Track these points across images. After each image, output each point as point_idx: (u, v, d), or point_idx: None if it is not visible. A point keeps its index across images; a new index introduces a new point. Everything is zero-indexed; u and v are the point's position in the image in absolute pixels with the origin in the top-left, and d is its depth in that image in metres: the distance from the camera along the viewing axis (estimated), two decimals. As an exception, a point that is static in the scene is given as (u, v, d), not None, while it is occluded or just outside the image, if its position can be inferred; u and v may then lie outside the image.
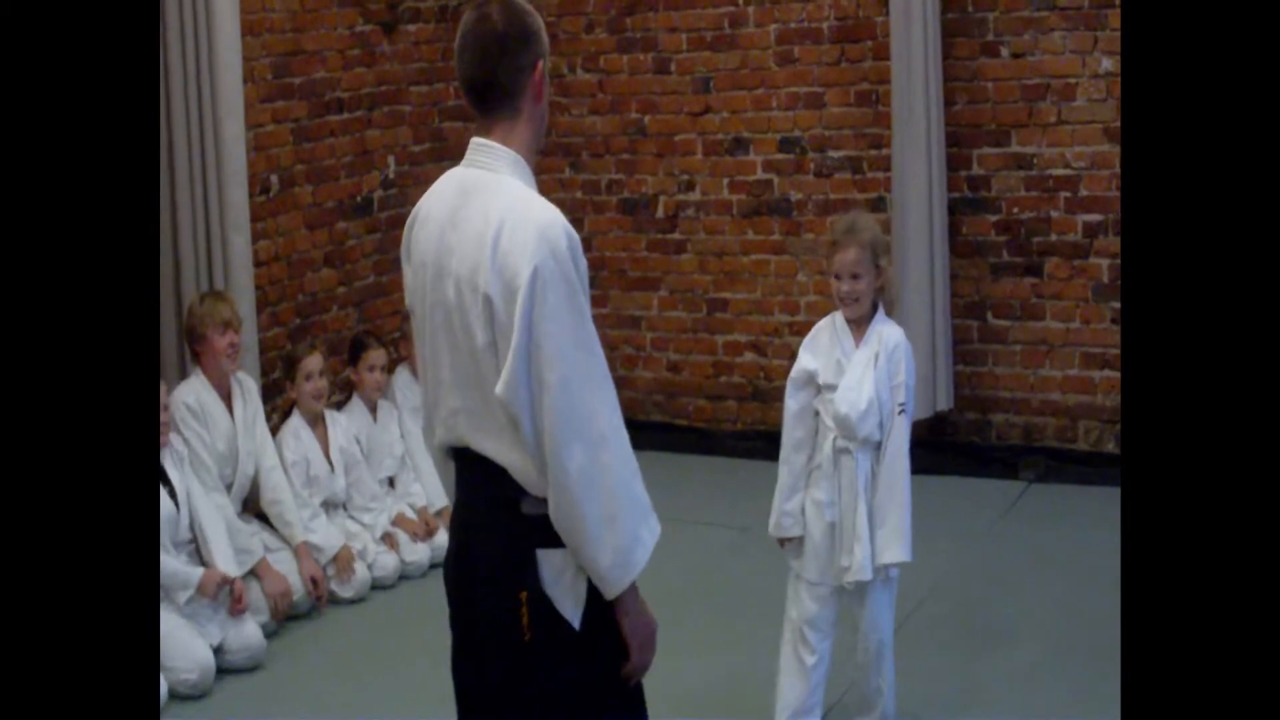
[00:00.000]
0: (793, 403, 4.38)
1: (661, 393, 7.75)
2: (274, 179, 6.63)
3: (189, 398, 5.59)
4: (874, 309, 4.34)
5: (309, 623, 5.72)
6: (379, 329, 7.06)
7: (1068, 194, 6.83)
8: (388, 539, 6.15)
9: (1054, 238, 6.88)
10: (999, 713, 4.73)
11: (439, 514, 6.30)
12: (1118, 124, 6.64)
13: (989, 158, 6.96)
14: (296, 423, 6.04)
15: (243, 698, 5.09)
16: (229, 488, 5.69)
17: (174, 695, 5.00)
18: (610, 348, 7.01)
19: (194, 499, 5.38)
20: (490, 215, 2.81)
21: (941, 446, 7.10)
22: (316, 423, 6.09)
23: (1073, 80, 6.76)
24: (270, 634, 5.48)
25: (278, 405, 6.25)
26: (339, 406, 6.40)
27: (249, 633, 5.32)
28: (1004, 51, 6.87)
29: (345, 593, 5.89)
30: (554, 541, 2.82)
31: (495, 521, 2.89)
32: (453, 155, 7.43)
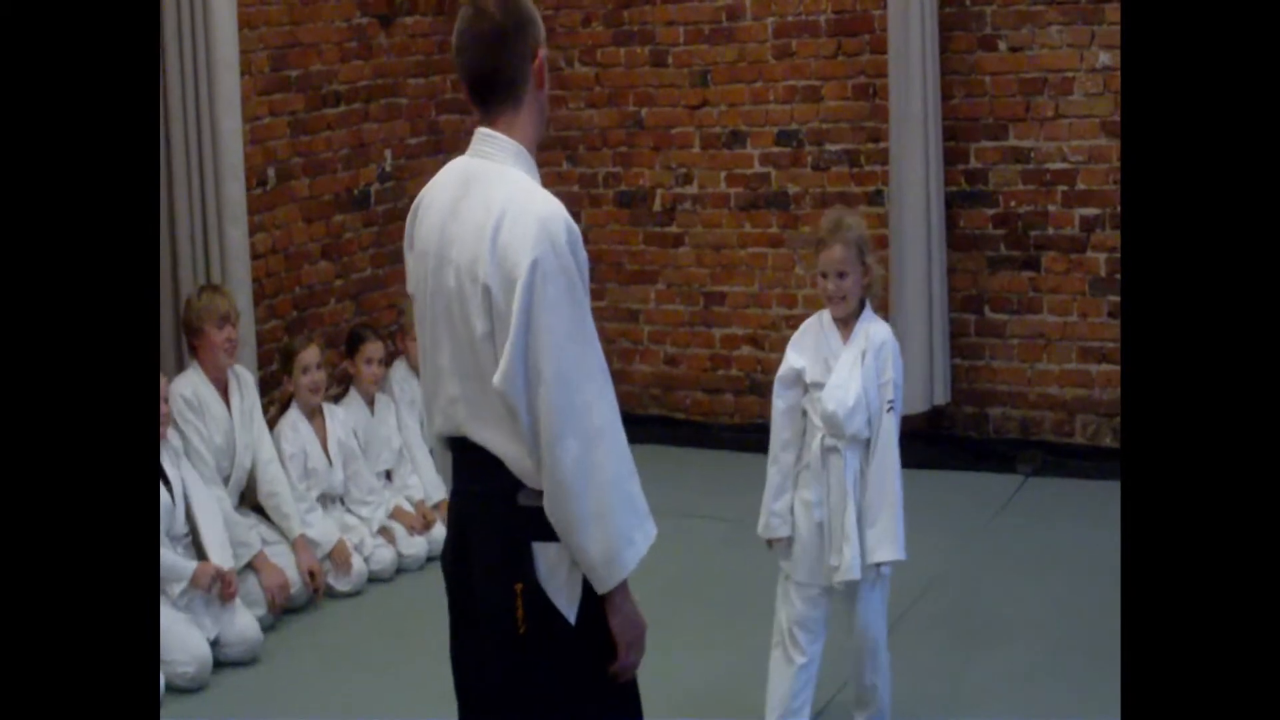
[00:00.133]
0: (780, 402, 4.36)
1: (659, 386, 7.75)
2: (271, 172, 6.61)
3: (186, 391, 5.58)
4: (861, 306, 4.33)
5: (306, 616, 5.71)
6: (376, 322, 7.05)
7: (1065, 188, 6.83)
8: (384, 532, 6.14)
9: (1051, 231, 6.88)
10: (997, 711, 4.72)
11: (436, 507, 6.29)
12: (1115, 118, 6.65)
13: (986, 151, 6.97)
14: (294, 415, 6.03)
15: (240, 691, 5.09)
16: (226, 481, 5.69)
17: (171, 688, 5.00)
18: (607, 341, 7.01)
19: (190, 492, 5.38)
20: (491, 205, 2.82)
21: (938, 440, 7.11)
22: (314, 416, 6.08)
23: (1070, 74, 6.76)
24: (267, 627, 5.48)
25: (275, 398, 6.24)
26: (336, 400, 6.39)
27: (246, 626, 5.32)
28: (1001, 45, 6.87)
29: (342, 586, 5.89)
30: (550, 534, 2.82)
31: (492, 513, 2.89)
32: (450, 148, 7.48)
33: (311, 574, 5.74)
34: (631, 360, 7.76)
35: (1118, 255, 6.67)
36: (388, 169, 7.33)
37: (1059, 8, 6.74)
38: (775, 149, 7.35)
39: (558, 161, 7.75)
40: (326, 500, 6.08)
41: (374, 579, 6.00)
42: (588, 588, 2.86)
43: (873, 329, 4.31)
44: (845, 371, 4.25)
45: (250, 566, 5.55)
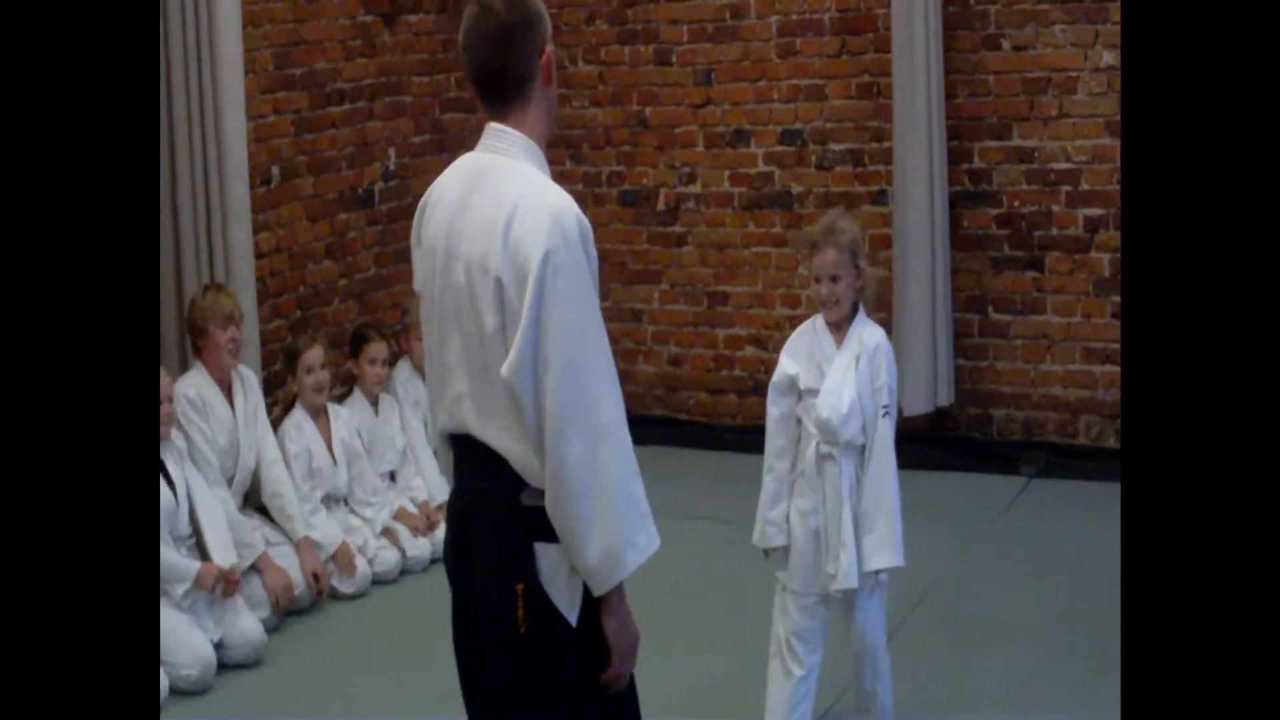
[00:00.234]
0: (774, 409, 4.34)
1: (662, 387, 7.75)
2: (275, 170, 6.61)
3: (190, 391, 5.58)
4: (855, 311, 4.30)
5: (310, 618, 5.71)
6: (380, 321, 7.05)
7: (1069, 188, 6.83)
8: (388, 534, 6.14)
9: (1055, 232, 6.88)
10: (999, 713, 4.72)
11: (440, 508, 6.28)
12: (1119, 118, 6.63)
13: (990, 151, 6.96)
14: (299, 416, 6.03)
15: (243, 693, 5.09)
16: (230, 481, 5.69)
17: (175, 691, 4.99)
18: (611, 341, 6.99)
19: (194, 492, 5.38)
20: (502, 200, 2.81)
21: (942, 442, 7.10)
22: (319, 416, 6.08)
23: (1074, 73, 6.75)
24: (271, 629, 5.48)
25: (279, 398, 6.24)
26: (340, 400, 6.39)
27: (249, 628, 5.32)
28: (1005, 44, 6.87)
29: (346, 588, 5.88)
30: (552, 535, 2.81)
31: (494, 511, 2.88)
32: (454, 147, 7.48)
33: (315, 576, 5.73)
34: (635, 360, 7.75)
35: (1121, 255, 6.66)
36: (392, 167, 7.32)
37: (1063, 7, 6.73)
38: (779, 148, 7.34)
39: (561, 160, 7.75)
40: (330, 501, 6.08)
41: (378, 581, 6.00)
42: (589, 590, 2.85)
43: (866, 333, 4.28)
44: (839, 377, 4.22)
45: (254, 568, 5.55)
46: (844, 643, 4.43)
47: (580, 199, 7.72)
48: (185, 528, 5.32)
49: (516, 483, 2.84)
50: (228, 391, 5.72)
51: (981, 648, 5.19)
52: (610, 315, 7.58)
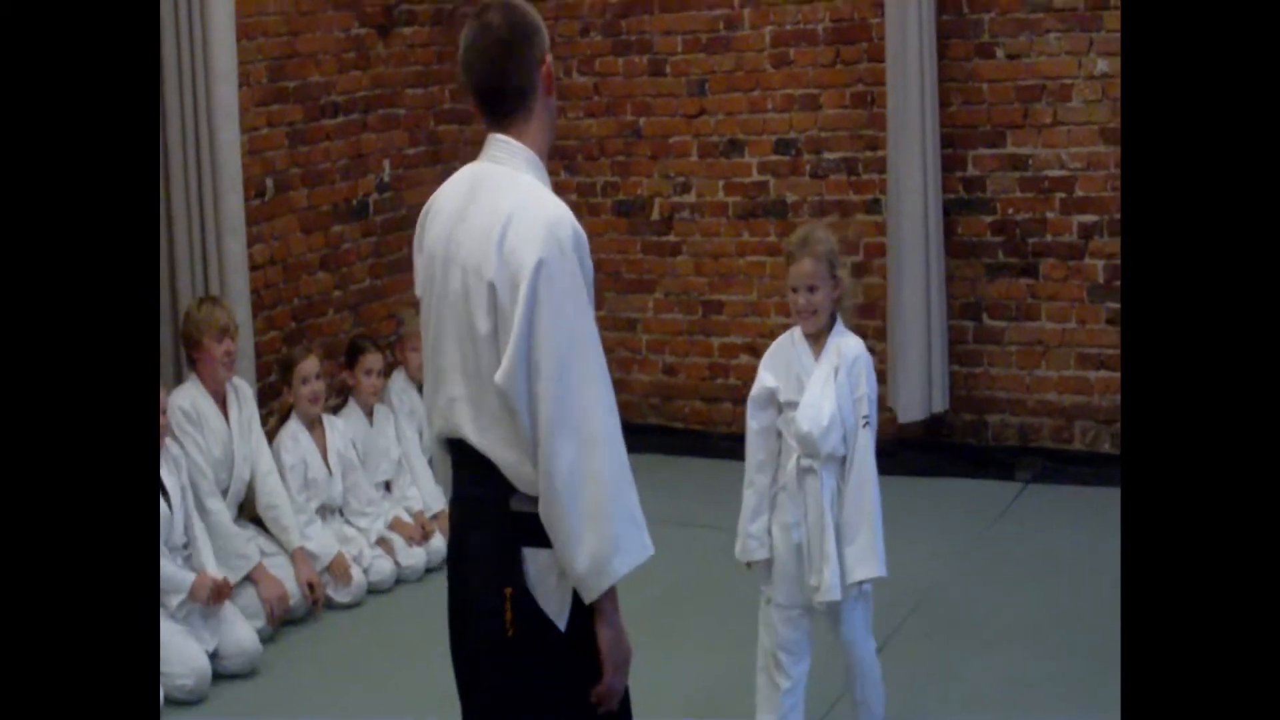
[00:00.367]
0: (754, 423, 4.32)
1: (657, 395, 7.75)
2: (269, 183, 6.62)
3: (184, 403, 5.58)
4: (832, 321, 4.28)
5: (305, 628, 5.71)
6: (375, 332, 7.05)
7: (1063, 195, 6.84)
8: (383, 543, 6.13)
9: (1049, 238, 6.88)
10: (996, 716, 4.72)
11: (435, 518, 6.29)
12: (1113, 125, 6.65)
13: (984, 159, 6.97)
14: (294, 426, 6.03)
15: (239, 703, 5.08)
16: (225, 493, 5.68)
17: (170, 701, 4.99)
18: (606, 350, 7.01)
19: (188, 503, 5.37)
20: (499, 209, 2.84)
21: (937, 448, 7.10)
22: (314, 426, 6.08)
23: (1068, 81, 6.77)
24: (266, 639, 5.47)
25: (274, 409, 6.23)
26: (335, 411, 6.39)
27: (245, 638, 5.31)
28: (999, 53, 6.88)
29: (342, 597, 5.88)
30: (541, 541, 2.82)
31: (485, 516, 2.90)
32: (448, 158, 7.49)
33: (310, 586, 5.73)
34: (630, 369, 7.75)
35: (1116, 262, 6.67)
36: (386, 179, 7.33)
37: (1057, 15, 6.75)
38: (773, 157, 7.35)
39: (556, 171, 7.74)
40: (325, 512, 6.07)
41: (373, 590, 6.00)
42: (579, 597, 2.85)
43: (845, 344, 4.25)
44: (818, 390, 4.19)
45: (249, 578, 5.55)
46: (834, 652, 4.42)
47: (575, 209, 7.66)
48: (180, 538, 5.31)
49: (506, 488, 2.85)
50: (222, 403, 5.71)
51: (978, 652, 5.19)
52: (605, 325, 7.58)
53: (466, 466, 2.95)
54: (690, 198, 7.56)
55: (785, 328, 7.21)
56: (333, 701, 5.06)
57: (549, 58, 2.97)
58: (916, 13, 6.70)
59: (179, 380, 5.73)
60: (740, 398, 7.55)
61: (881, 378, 6.98)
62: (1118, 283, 6.63)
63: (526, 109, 2.94)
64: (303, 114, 6.78)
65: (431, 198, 3.07)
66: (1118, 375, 6.63)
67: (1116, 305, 6.66)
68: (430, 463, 6.41)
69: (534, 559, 2.84)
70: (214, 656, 5.20)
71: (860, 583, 4.22)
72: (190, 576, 5.22)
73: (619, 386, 7.67)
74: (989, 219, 6.99)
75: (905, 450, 7.06)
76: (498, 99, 2.94)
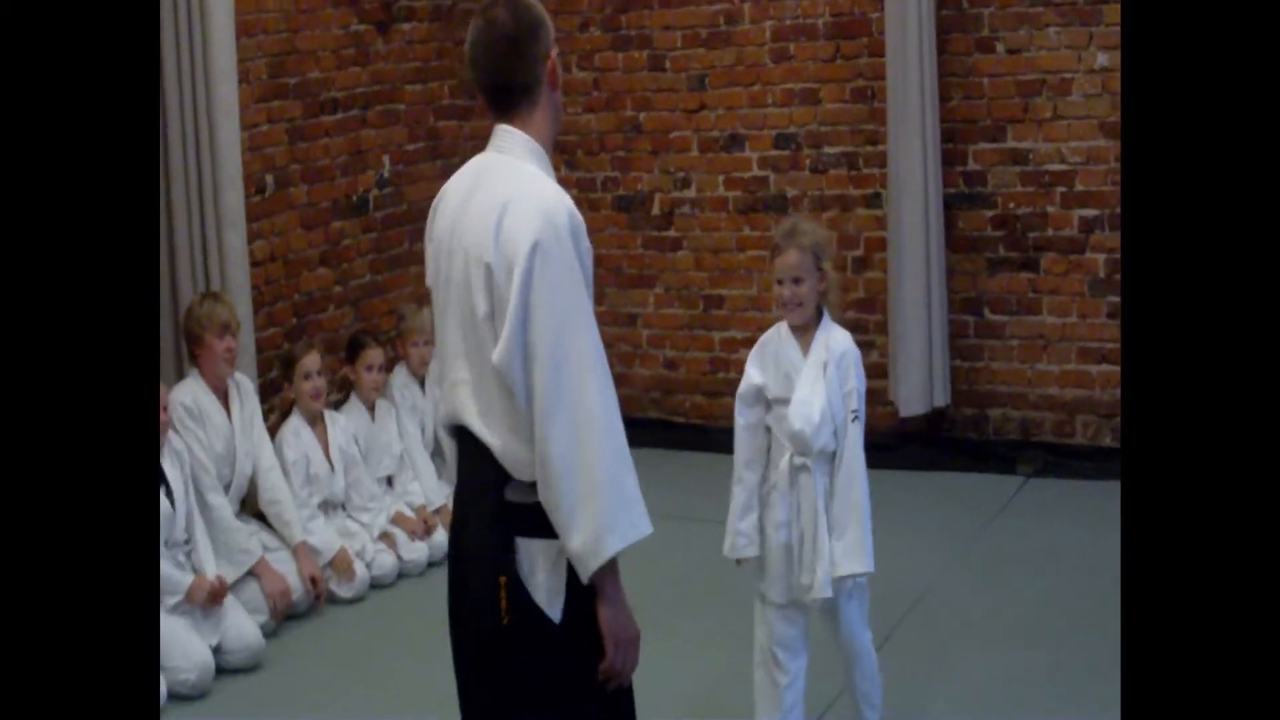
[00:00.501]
0: (742, 419, 4.30)
1: (658, 390, 7.75)
2: (269, 179, 6.62)
3: (186, 399, 5.58)
4: (819, 315, 4.24)
5: (308, 622, 5.71)
6: (376, 328, 7.05)
7: (1064, 189, 6.84)
8: (385, 538, 6.14)
9: (1050, 233, 6.89)
10: (996, 712, 4.72)
11: (437, 512, 6.30)
12: (1113, 119, 6.65)
13: (985, 153, 6.97)
14: (296, 422, 6.03)
15: (242, 698, 5.09)
16: (227, 488, 5.68)
17: (173, 696, 4.99)
18: (607, 345, 7.03)
19: (190, 499, 5.38)
20: (499, 196, 2.89)
21: (939, 442, 7.11)
22: (316, 422, 6.09)
23: (1068, 75, 6.76)
24: (269, 634, 5.48)
25: (275, 405, 6.24)
26: (336, 406, 6.39)
27: (247, 632, 5.32)
28: (999, 47, 6.88)
29: (344, 592, 5.89)
30: (534, 530, 2.85)
31: (483, 504, 2.93)
32: (448, 154, 7.49)
33: (313, 580, 5.74)
34: (631, 364, 7.76)
35: (1117, 256, 6.67)
36: (386, 175, 7.33)
37: (1057, 9, 6.74)
38: (773, 152, 7.35)
39: (556, 166, 7.58)
40: (328, 507, 6.08)
41: (375, 585, 6.00)
42: (575, 588, 2.87)
43: (833, 338, 4.21)
44: (808, 387, 4.17)
45: (252, 573, 5.55)
46: (831, 650, 4.42)
47: (575, 204, 7.74)
48: (181, 534, 5.31)
49: (502, 477, 2.88)
50: (224, 399, 5.72)
51: (978, 647, 5.19)
52: (606, 320, 7.58)
53: (467, 454, 2.98)
54: (690, 192, 7.56)
55: (785, 322, 7.29)
56: (335, 696, 5.07)
57: (554, 51, 3.01)
58: (916, 7, 6.70)
59: (180, 376, 5.74)
60: (741, 392, 7.59)
61: (882, 372, 7.02)
62: (1118, 277, 6.63)
63: (532, 102, 2.99)
64: (302, 110, 6.78)
65: (442, 189, 3.12)
66: (1119, 369, 6.63)
67: (1117, 299, 6.66)
68: (433, 456, 6.42)
69: (526, 549, 2.87)
70: (217, 651, 5.20)
71: (850, 576, 4.19)
72: (188, 578, 5.22)
73: (619, 381, 7.68)
74: (989, 213, 6.99)
75: (906, 445, 7.06)
76: (504, 94, 2.99)
